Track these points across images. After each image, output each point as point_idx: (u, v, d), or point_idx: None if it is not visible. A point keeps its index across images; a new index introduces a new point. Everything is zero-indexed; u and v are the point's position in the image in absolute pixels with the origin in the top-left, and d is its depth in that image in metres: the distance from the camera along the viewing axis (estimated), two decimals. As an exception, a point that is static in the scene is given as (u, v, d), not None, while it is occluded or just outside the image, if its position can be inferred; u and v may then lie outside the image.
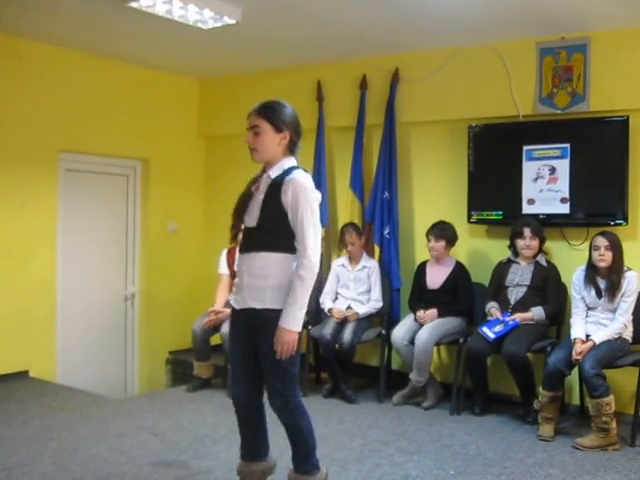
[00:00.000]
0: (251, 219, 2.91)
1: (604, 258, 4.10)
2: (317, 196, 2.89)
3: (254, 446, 3.07)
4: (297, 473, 3.00)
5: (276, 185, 2.85)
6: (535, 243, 4.57)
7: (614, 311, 4.12)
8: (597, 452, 3.82)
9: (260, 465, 3.07)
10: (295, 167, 2.92)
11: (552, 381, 4.06)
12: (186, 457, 3.71)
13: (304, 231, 2.80)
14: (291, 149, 2.94)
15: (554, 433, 4.06)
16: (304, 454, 2.98)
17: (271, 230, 2.86)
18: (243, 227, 2.98)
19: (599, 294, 4.16)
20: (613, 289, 4.10)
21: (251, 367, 2.97)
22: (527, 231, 4.56)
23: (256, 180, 3.00)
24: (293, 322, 2.81)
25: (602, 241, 4.12)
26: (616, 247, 4.11)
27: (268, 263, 2.85)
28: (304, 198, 2.80)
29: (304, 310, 2.85)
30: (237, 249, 5.46)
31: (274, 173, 2.90)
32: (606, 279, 4.14)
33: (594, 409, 3.89)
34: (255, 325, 2.90)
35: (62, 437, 3.99)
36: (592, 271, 4.19)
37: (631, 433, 3.98)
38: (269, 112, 2.88)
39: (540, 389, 4.12)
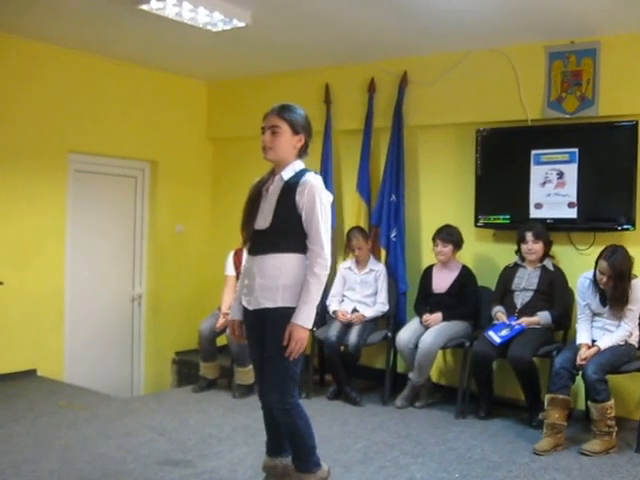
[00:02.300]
0: (263, 221, 2.94)
1: (606, 284, 4.05)
2: (329, 197, 2.97)
3: (277, 442, 3.12)
4: (298, 472, 3.04)
5: (290, 187, 2.90)
6: (537, 247, 4.56)
7: (620, 318, 4.09)
8: (602, 457, 3.81)
9: (282, 460, 3.12)
10: (306, 170, 2.98)
11: (558, 381, 3.97)
12: (192, 456, 3.73)
13: (319, 231, 2.86)
14: (302, 153, 3.01)
15: (550, 448, 3.85)
16: (304, 453, 3.02)
17: (283, 231, 2.90)
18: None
19: (604, 302, 4.13)
20: (618, 298, 4.05)
21: None
22: (529, 235, 4.55)
23: (264, 182, 3.04)
24: (307, 319, 2.86)
25: (606, 269, 4.00)
26: (618, 277, 3.98)
27: (281, 264, 2.89)
28: (319, 200, 2.88)
29: (315, 308, 2.90)
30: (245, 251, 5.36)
31: (286, 175, 2.95)
32: (611, 289, 4.09)
33: (598, 414, 3.87)
34: (265, 323, 2.93)
35: (69, 435, 4.02)
36: (597, 281, 4.13)
37: (637, 439, 3.96)
38: (289, 114, 2.94)
39: (546, 396, 4.01)
